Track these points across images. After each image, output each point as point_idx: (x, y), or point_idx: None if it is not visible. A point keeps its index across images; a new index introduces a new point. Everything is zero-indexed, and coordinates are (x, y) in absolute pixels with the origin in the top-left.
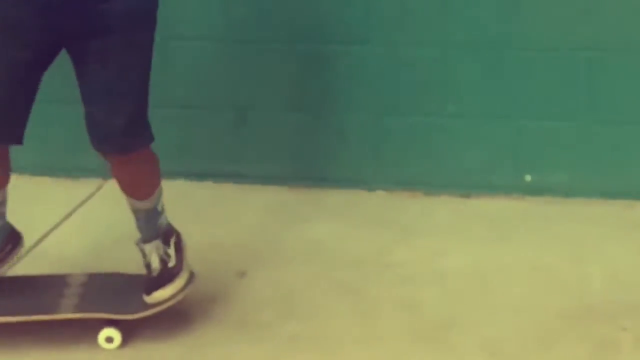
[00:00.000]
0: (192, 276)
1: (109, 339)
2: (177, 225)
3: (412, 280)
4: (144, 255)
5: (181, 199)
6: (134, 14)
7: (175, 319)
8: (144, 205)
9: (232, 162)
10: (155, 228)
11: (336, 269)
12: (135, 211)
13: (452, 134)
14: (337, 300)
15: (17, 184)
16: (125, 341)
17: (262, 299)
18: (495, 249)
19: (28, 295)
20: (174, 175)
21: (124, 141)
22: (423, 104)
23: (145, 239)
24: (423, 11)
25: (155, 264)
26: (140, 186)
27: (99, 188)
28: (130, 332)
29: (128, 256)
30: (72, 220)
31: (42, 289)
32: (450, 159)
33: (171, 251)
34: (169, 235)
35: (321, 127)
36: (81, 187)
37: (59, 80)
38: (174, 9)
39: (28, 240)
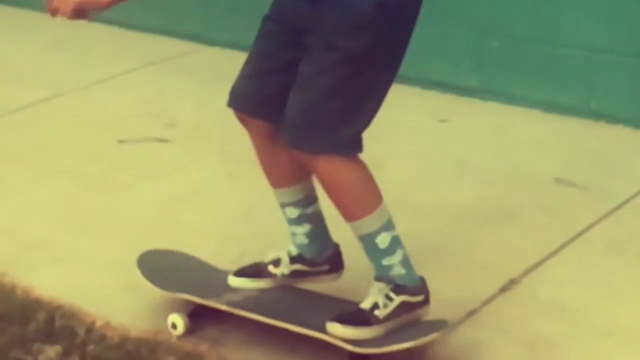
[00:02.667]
0: (382, 341)
1: None
2: None
3: None
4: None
5: None
6: (338, 20)
7: None
8: (353, 227)
9: None
10: (381, 268)
11: None
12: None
13: None
14: None
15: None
16: None
17: None
18: None
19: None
20: None
21: (289, 133)
22: None
23: (376, 276)
24: None
25: (367, 304)
26: (333, 199)
27: None
28: None
29: None
30: None
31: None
32: None
33: (392, 305)
34: (402, 290)
35: None
36: None
37: None
38: None
39: (628, 191)
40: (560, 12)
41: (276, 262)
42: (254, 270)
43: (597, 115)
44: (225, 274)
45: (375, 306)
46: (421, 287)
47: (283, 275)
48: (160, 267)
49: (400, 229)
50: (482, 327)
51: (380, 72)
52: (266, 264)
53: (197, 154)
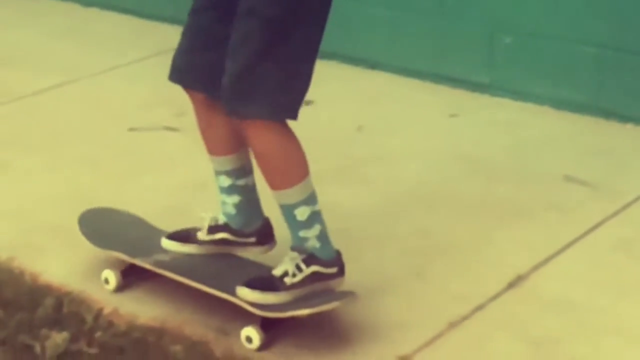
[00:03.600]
0: (287, 306)
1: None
2: None
3: None
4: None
5: None
6: None
7: None
8: (275, 196)
9: None
10: (297, 239)
11: None
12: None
13: None
14: None
15: None
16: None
17: None
18: None
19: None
20: None
21: (225, 100)
22: None
23: (292, 246)
24: None
25: (278, 271)
26: (261, 166)
27: None
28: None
29: None
30: None
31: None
32: None
33: (302, 274)
34: (314, 261)
35: None
36: None
37: None
38: None
39: (637, 190)
40: (572, 10)
41: (206, 229)
42: (184, 235)
43: (607, 113)
44: (163, 234)
45: (285, 274)
46: (335, 260)
47: (210, 242)
48: (100, 225)
49: (408, 223)
50: (488, 323)
51: (307, 35)
52: (196, 230)
53: None
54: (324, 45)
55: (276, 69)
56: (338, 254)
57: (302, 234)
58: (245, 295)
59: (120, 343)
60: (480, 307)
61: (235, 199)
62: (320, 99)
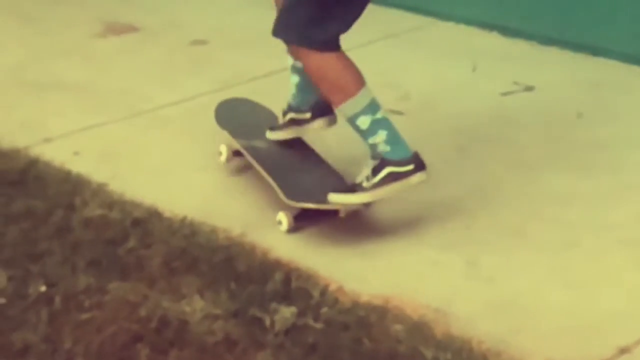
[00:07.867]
0: (368, 204)
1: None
2: None
3: None
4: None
5: None
6: None
7: None
8: (338, 112)
9: None
10: (369, 146)
11: None
12: None
13: None
14: None
15: None
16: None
17: None
18: None
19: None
20: None
21: (275, 24)
22: None
23: (370, 155)
24: None
25: (359, 178)
26: (319, 86)
27: None
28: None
29: None
30: None
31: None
32: None
33: (378, 177)
34: (388, 163)
35: None
36: None
37: None
38: None
39: None
40: None
41: (282, 113)
42: (274, 125)
43: None
44: None
45: (365, 179)
46: (411, 159)
47: (284, 125)
48: (231, 110)
49: (628, 212)
50: None
51: None
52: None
53: (429, 127)
54: (546, 31)
55: (311, 12)
56: (415, 153)
57: (370, 140)
58: (332, 198)
59: (345, 320)
60: None
61: (295, 78)
62: (541, 85)
